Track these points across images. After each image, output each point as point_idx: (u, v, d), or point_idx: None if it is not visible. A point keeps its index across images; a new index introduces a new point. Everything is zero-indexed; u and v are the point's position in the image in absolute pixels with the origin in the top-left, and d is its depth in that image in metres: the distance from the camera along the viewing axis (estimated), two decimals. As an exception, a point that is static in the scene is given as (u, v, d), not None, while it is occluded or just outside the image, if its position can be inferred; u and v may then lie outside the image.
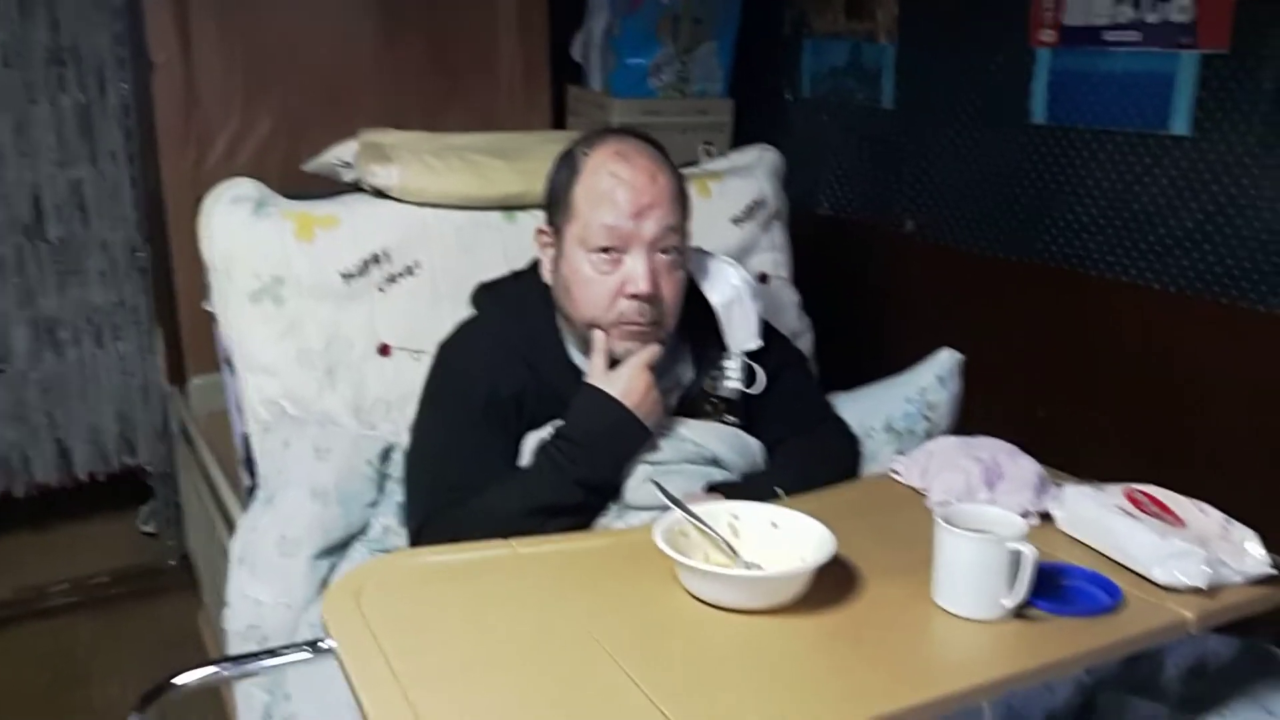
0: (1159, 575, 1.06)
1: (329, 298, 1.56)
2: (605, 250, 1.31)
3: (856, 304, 2.28)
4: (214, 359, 1.69)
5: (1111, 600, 1.05)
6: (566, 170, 1.37)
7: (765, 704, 0.89)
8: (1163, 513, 1.14)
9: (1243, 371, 1.64)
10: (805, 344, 1.85)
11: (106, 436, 2.58)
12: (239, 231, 1.54)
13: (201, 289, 1.64)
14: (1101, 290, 1.83)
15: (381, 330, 1.59)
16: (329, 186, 1.76)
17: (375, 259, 1.59)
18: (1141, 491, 1.18)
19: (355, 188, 1.72)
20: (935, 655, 1.00)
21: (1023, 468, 1.26)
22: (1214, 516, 1.15)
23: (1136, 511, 1.14)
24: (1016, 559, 0.99)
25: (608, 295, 1.32)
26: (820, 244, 2.21)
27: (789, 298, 1.89)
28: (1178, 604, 1.06)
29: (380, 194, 1.65)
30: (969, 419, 1.56)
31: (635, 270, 1.31)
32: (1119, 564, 1.11)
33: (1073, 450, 1.51)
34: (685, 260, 1.37)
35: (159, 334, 2.45)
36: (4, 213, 2.36)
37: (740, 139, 2.46)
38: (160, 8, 2.22)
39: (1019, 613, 1.02)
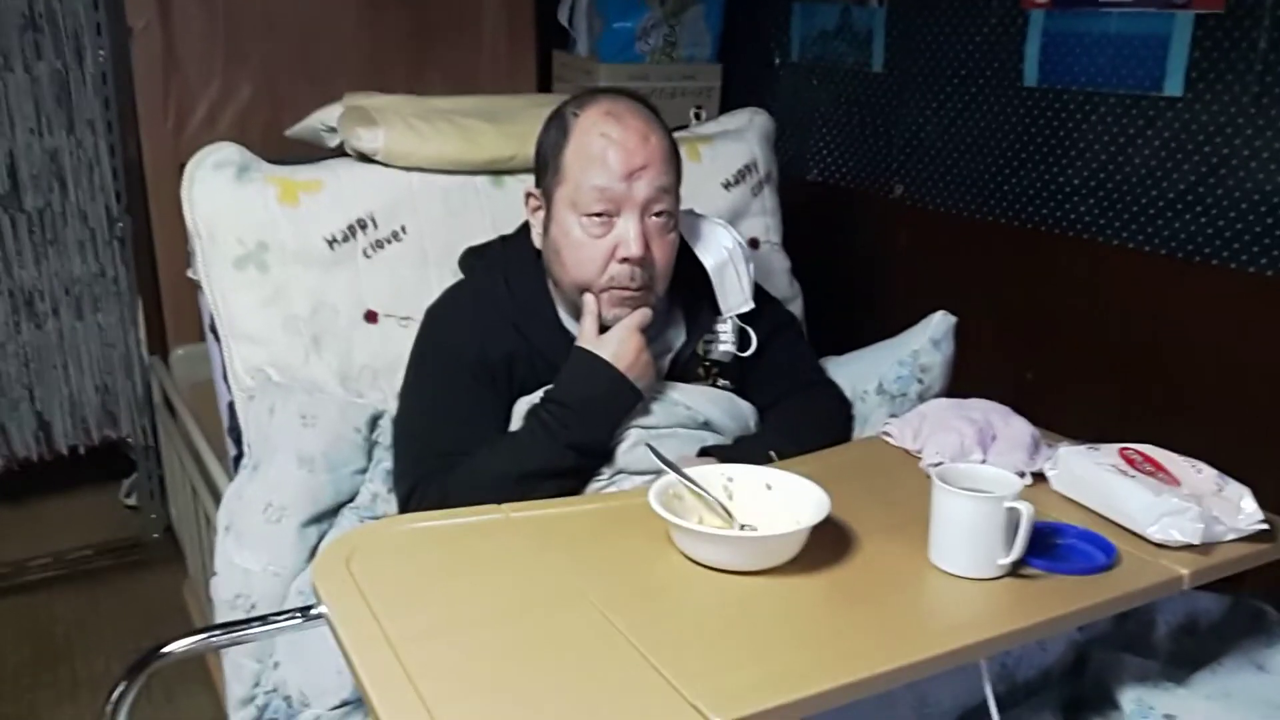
0: (1154, 533, 1.06)
1: (314, 264, 1.53)
2: (597, 214, 1.29)
3: (846, 269, 2.27)
4: (195, 329, 1.67)
5: (1106, 558, 1.05)
6: (557, 131, 1.34)
7: (761, 661, 0.89)
8: (1157, 470, 1.14)
9: (1234, 334, 1.64)
10: (796, 309, 1.84)
11: (87, 409, 2.55)
12: (222, 197, 1.51)
13: (182, 258, 1.62)
14: (1092, 253, 1.83)
15: (368, 297, 1.56)
16: (313, 153, 1.73)
17: (361, 224, 1.57)
18: (1136, 450, 1.17)
19: (340, 153, 1.69)
20: (931, 614, 1.00)
21: (1016, 428, 1.25)
22: (1208, 474, 1.15)
23: (1131, 470, 1.13)
24: (1014, 517, 0.99)
25: (599, 259, 1.30)
26: (810, 209, 2.20)
27: (779, 263, 1.88)
28: (1172, 561, 1.06)
29: (365, 158, 1.62)
30: (957, 382, 1.56)
31: (627, 233, 1.29)
32: (1113, 522, 1.11)
33: (1061, 413, 1.51)
34: (677, 222, 1.36)
35: (140, 304, 2.41)
36: (-20, 182, 2.32)
37: (729, 104, 2.43)
38: (137, -29, 2.18)
39: (1015, 571, 1.02)
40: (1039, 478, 1.21)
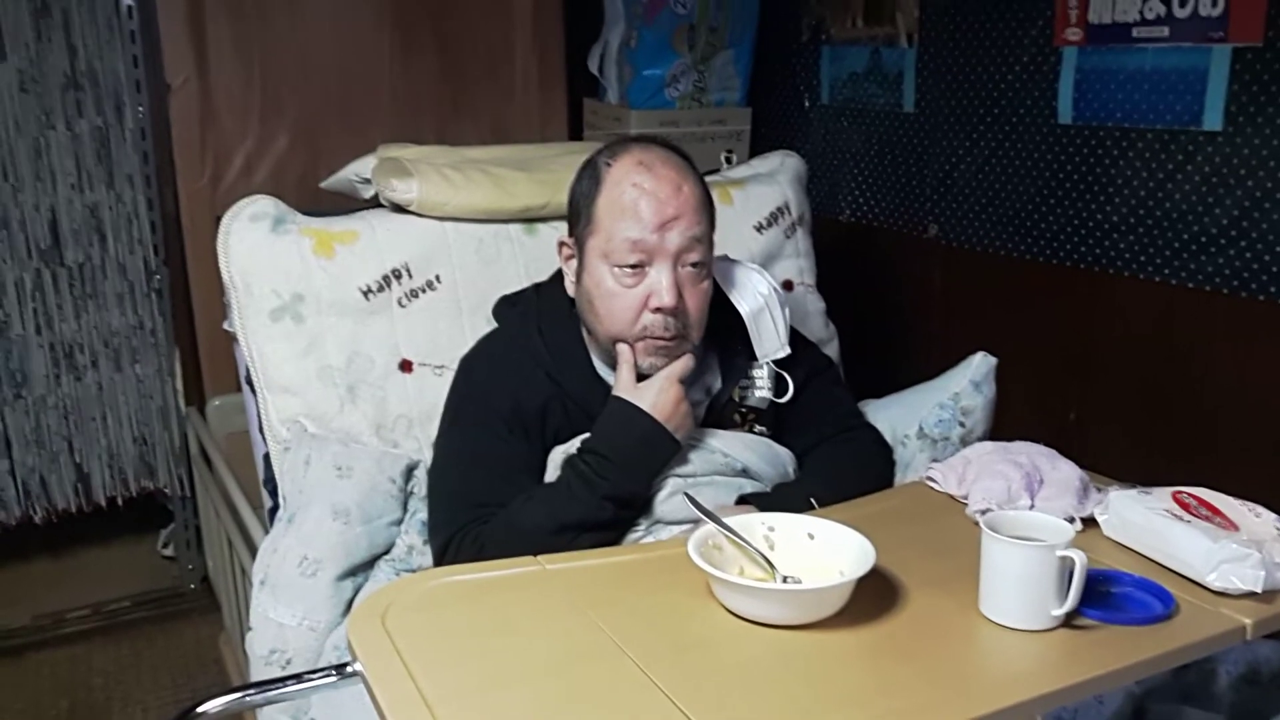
0: (1213, 580, 1.02)
1: (349, 314, 1.54)
2: (630, 265, 1.28)
3: (882, 310, 2.25)
4: (232, 380, 1.68)
5: (1164, 607, 1.01)
6: (589, 181, 1.34)
7: (807, 719, 0.86)
8: (1214, 515, 1.10)
9: (1283, 371, 1.60)
10: (832, 351, 1.82)
11: (125, 460, 2.57)
12: (258, 249, 1.52)
13: (219, 310, 1.63)
14: (1133, 290, 1.79)
15: (403, 346, 1.56)
16: (347, 205, 1.74)
17: (395, 274, 1.57)
18: (1190, 494, 1.14)
19: (374, 204, 1.70)
20: (983, 668, 0.96)
21: (1063, 472, 1.22)
22: (1267, 518, 1.11)
23: (1186, 515, 1.10)
24: (1067, 566, 0.96)
25: (632, 309, 1.29)
26: (844, 251, 2.18)
27: (814, 305, 1.86)
28: (1233, 610, 1.02)
29: (399, 209, 1.63)
30: (998, 424, 1.53)
31: (659, 283, 1.27)
32: (1170, 569, 1.07)
33: (1107, 455, 1.48)
34: (710, 271, 1.34)
35: (177, 356, 2.43)
36: (22, 238, 2.36)
37: (759, 147, 2.44)
38: (176, 29, 2.23)
39: (1069, 622, 0.99)
40: (1089, 523, 1.17)
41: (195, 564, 2.60)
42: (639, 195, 1.27)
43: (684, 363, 1.30)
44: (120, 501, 2.59)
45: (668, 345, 1.30)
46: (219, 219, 1.55)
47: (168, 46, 2.23)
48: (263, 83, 2.30)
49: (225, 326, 1.61)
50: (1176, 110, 1.69)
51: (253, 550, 1.57)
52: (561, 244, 1.39)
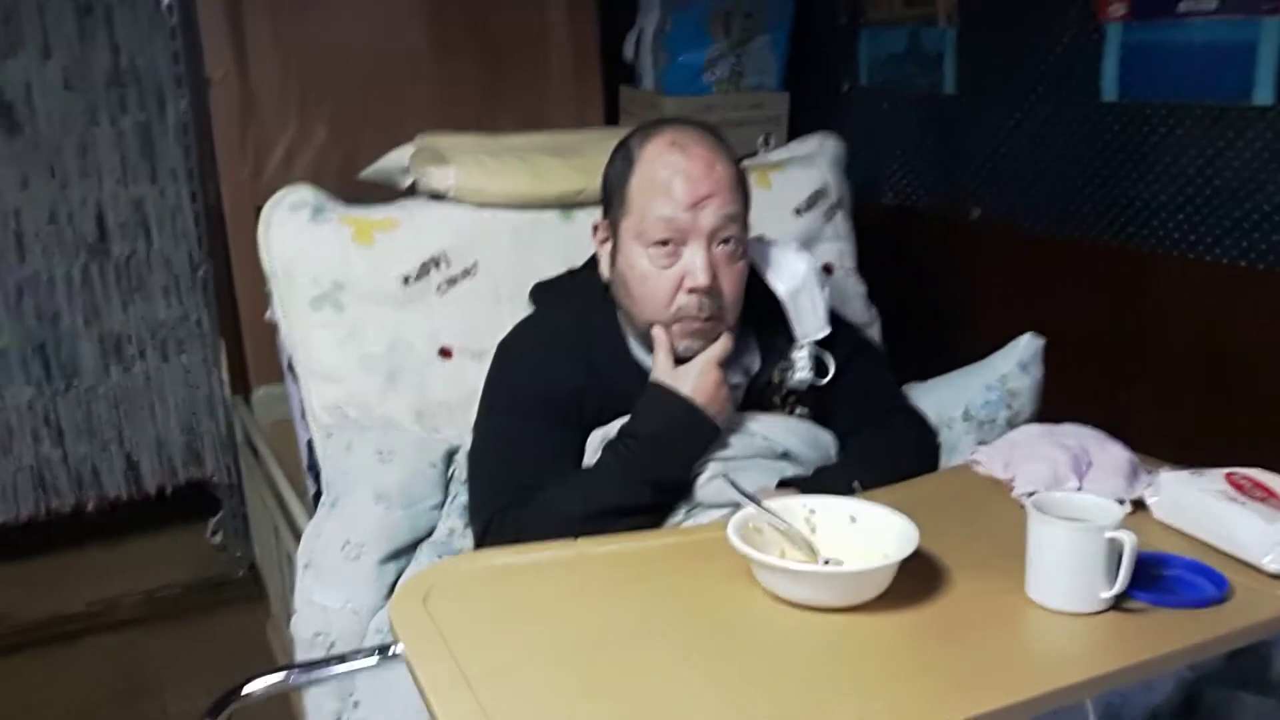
0: (1269, 563, 1.00)
1: (389, 302, 1.55)
2: (663, 243, 1.27)
3: (923, 293, 2.22)
4: (277, 370, 1.69)
5: (1218, 590, 0.99)
6: (622, 163, 1.33)
7: (850, 704, 0.85)
8: (1269, 496, 1.08)
9: (1340, 350, 1.56)
10: (874, 335, 1.80)
11: (174, 449, 2.61)
12: (298, 238, 1.53)
13: (263, 300, 1.64)
14: (1183, 270, 1.75)
15: (442, 333, 1.57)
16: (386, 194, 1.75)
17: (434, 262, 1.58)
18: (1244, 475, 1.11)
19: (412, 192, 1.71)
20: (1030, 651, 0.95)
21: (1112, 454, 1.20)
22: (1324, 500, 1.08)
23: (1240, 496, 1.07)
24: (1116, 548, 0.94)
25: (666, 290, 1.28)
26: (884, 234, 2.15)
27: (855, 288, 1.84)
28: (1289, 593, 0.99)
29: (437, 197, 1.64)
30: (1046, 406, 1.50)
31: (694, 263, 1.27)
32: (1223, 552, 1.05)
33: (1159, 436, 1.44)
34: (745, 250, 1.33)
35: (222, 346, 2.47)
36: (70, 233, 2.40)
37: (797, 131, 2.41)
38: (216, 25, 2.25)
39: (1118, 605, 0.96)
40: (1139, 505, 1.15)
41: (243, 551, 2.63)
42: (672, 174, 1.26)
43: (723, 344, 1.30)
44: (169, 490, 2.63)
45: (704, 327, 1.29)
46: (259, 209, 1.57)
47: (208, 41, 2.26)
48: (301, 75, 2.32)
49: (267, 316, 1.62)
50: (1225, 85, 1.65)
51: (298, 537, 1.59)
52: (596, 227, 1.39)
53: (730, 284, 1.30)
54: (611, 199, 1.34)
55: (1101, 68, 1.83)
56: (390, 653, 1.01)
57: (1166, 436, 1.63)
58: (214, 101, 2.29)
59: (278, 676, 1.03)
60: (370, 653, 1.03)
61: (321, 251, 1.53)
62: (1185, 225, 1.75)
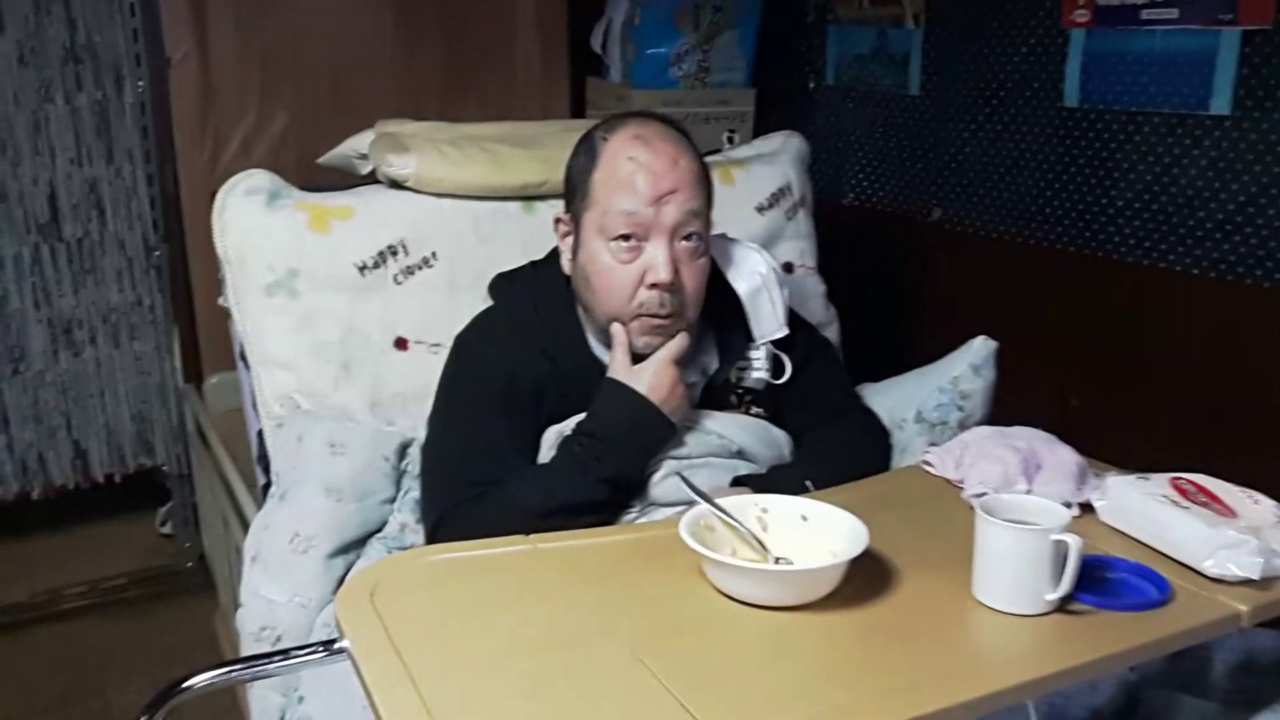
0: (1210, 567, 1.01)
1: (345, 290, 1.53)
2: (625, 238, 1.26)
3: (883, 294, 2.23)
4: (230, 357, 1.67)
5: (1160, 593, 1.00)
6: (585, 156, 1.33)
7: (797, 702, 0.85)
8: (1212, 501, 1.09)
9: (1288, 358, 1.58)
10: (832, 334, 1.81)
11: (123, 437, 2.56)
12: (252, 224, 1.51)
13: (218, 287, 1.62)
14: (1138, 276, 1.78)
15: (398, 323, 1.55)
16: (345, 180, 1.73)
17: (391, 251, 1.56)
18: (1189, 480, 1.12)
19: (371, 180, 1.69)
20: (976, 651, 0.95)
21: (1062, 457, 1.21)
22: (1265, 505, 1.10)
23: (1184, 501, 1.08)
24: (1061, 550, 0.94)
25: (628, 285, 1.28)
26: (846, 233, 2.16)
27: (814, 287, 1.85)
28: (1229, 597, 1.01)
29: (397, 185, 1.62)
30: (998, 409, 1.51)
31: (656, 258, 1.26)
32: (1166, 555, 1.06)
33: (1108, 441, 1.46)
34: (708, 247, 1.33)
35: (175, 332, 2.43)
36: (21, 212, 2.35)
37: (763, 128, 2.41)
38: (176, 4, 2.22)
39: (1063, 607, 0.97)
40: (1086, 508, 1.16)
41: (193, 542, 2.59)
42: (635, 169, 1.26)
43: (678, 343, 1.29)
44: (118, 478, 2.59)
45: (664, 323, 1.29)
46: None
47: (168, 20, 2.23)
48: (263, 60, 2.29)
49: (220, 302, 1.60)
50: (1184, 93, 1.67)
51: (246, 528, 1.57)
52: (558, 220, 1.38)
53: (692, 280, 1.30)
54: (574, 192, 1.33)
55: (1065, 73, 1.84)
56: (335, 648, 0.99)
57: (1115, 441, 1.64)
58: (173, 83, 2.25)
59: (221, 670, 1.01)
60: (315, 648, 1.02)
61: (276, 238, 1.50)
62: (1141, 231, 1.77)
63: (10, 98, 2.28)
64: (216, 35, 2.25)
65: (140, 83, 2.34)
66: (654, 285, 1.26)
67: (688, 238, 1.28)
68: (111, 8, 2.32)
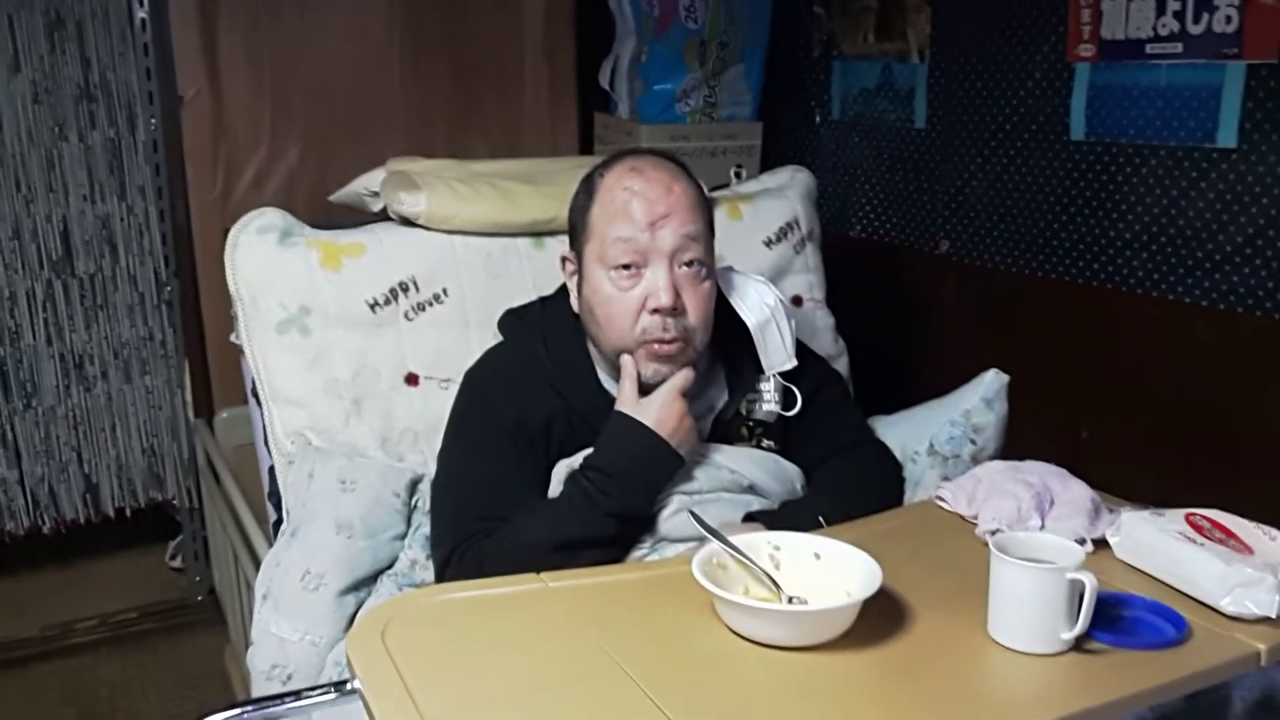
0: (1227, 605, 1.01)
1: (356, 327, 1.53)
2: (625, 267, 1.27)
3: (892, 327, 2.23)
4: (241, 393, 1.67)
5: (1177, 632, 0.99)
6: (584, 194, 1.35)
7: (813, 745, 0.84)
8: (1228, 538, 1.08)
9: (1299, 391, 1.58)
10: (841, 367, 1.80)
11: (134, 471, 2.57)
12: (265, 261, 1.52)
13: (229, 322, 1.63)
14: (1147, 309, 1.77)
15: (409, 359, 1.56)
16: (356, 217, 1.74)
17: (403, 287, 1.57)
18: (1204, 516, 1.12)
19: (382, 217, 1.70)
20: (992, 691, 0.95)
21: (1075, 492, 1.20)
22: (1282, 542, 1.09)
23: (1199, 537, 1.08)
24: (1077, 589, 0.94)
25: (630, 312, 1.28)
26: (854, 267, 2.17)
27: (823, 321, 1.85)
28: (1247, 635, 1.00)
29: (408, 222, 1.63)
30: (1009, 442, 1.51)
31: (656, 283, 1.27)
32: (1183, 593, 1.06)
33: (1120, 475, 1.45)
34: (711, 273, 1.33)
35: (186, 368, 2.44)
36: (34, 248, 2.37)
37: (770, 163, 2.43)
38: (189, 42, 2.24)
39: (1079, 646, 0.97)
40: (1100, 544, 1.15)
41: (203, 576, 2.59)
42: (630, 197, 1.28)
43: (685, 375, 1.29)
44: (129, 513, 2.59)
45: (670, 350, 1.28)
46: (228, 231, 1.56)
47: (180, 59, 2.25)
48: (274, 95, 2.31)
49: (232, 338, 1.60)
50: (1190, 127, 1.67)
51: (257, 564, 1.57)
52: (564, 259, 1.39)
53: (695, 305, 1.30)
54: (576, 230, 1.35)
55: (1070, 106, 1.85)
56: (347, 689, 0.99)
57: (1128, 475, 1.63)
58: (185, 119, 2.27)
59: (231, 713, 1.01)
60: (326, 689, 1.01)
61: (288, 275, 1.51)
62: (1149, 264, 1.77)
63: (25, 136, 2.31)
64: (228, 72, 2.27)
65: (153, 120, 2.37)
66: (655, 310, 1.27)
67: (689, 264, 1.28)
68: (125, 46, 2.35)
